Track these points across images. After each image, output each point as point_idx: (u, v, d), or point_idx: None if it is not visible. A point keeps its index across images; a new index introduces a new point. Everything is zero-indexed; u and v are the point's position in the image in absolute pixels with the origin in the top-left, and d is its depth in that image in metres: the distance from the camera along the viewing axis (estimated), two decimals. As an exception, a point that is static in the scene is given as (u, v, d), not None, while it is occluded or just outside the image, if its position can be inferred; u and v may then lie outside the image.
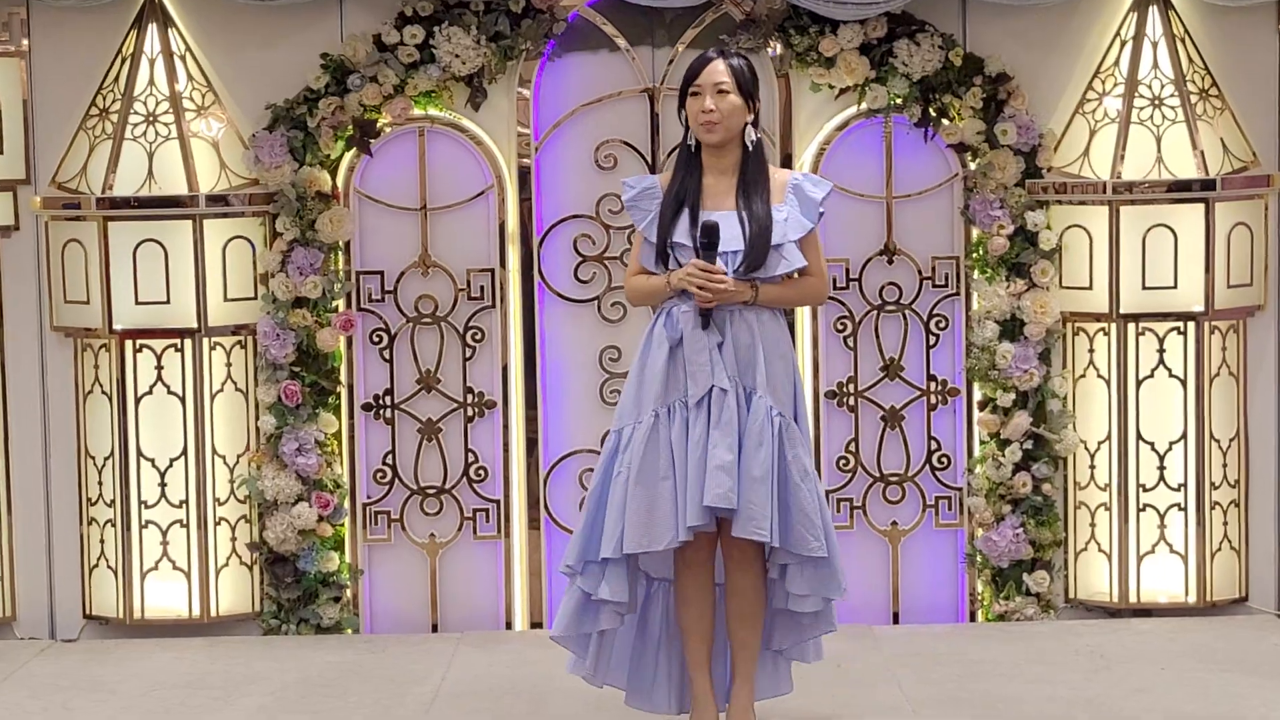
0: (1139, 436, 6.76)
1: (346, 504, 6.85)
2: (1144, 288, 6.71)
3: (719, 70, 5.27)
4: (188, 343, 6.70)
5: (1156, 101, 6.72)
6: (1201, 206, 6.67)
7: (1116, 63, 6.77)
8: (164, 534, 6.77)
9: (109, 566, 6.82)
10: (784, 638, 5.49)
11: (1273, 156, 6.83)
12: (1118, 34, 6.79)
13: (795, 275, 5.34)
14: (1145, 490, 6.79)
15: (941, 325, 6.88)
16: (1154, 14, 6.74)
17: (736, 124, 5.28)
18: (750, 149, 5.30)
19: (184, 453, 6.74)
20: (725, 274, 5.23)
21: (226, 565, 6.83)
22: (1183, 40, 6.76)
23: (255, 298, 6.77)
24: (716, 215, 5.26)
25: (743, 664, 5.43)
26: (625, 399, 5.36)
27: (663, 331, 5.30)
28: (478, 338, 6.86)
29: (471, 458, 6.89)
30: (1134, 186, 6.67)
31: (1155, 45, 6.74)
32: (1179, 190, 6.67)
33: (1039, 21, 6.76)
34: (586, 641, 5.40)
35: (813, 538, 5.23)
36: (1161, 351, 6.75)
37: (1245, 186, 6.73)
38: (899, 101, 6.74)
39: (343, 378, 6.84)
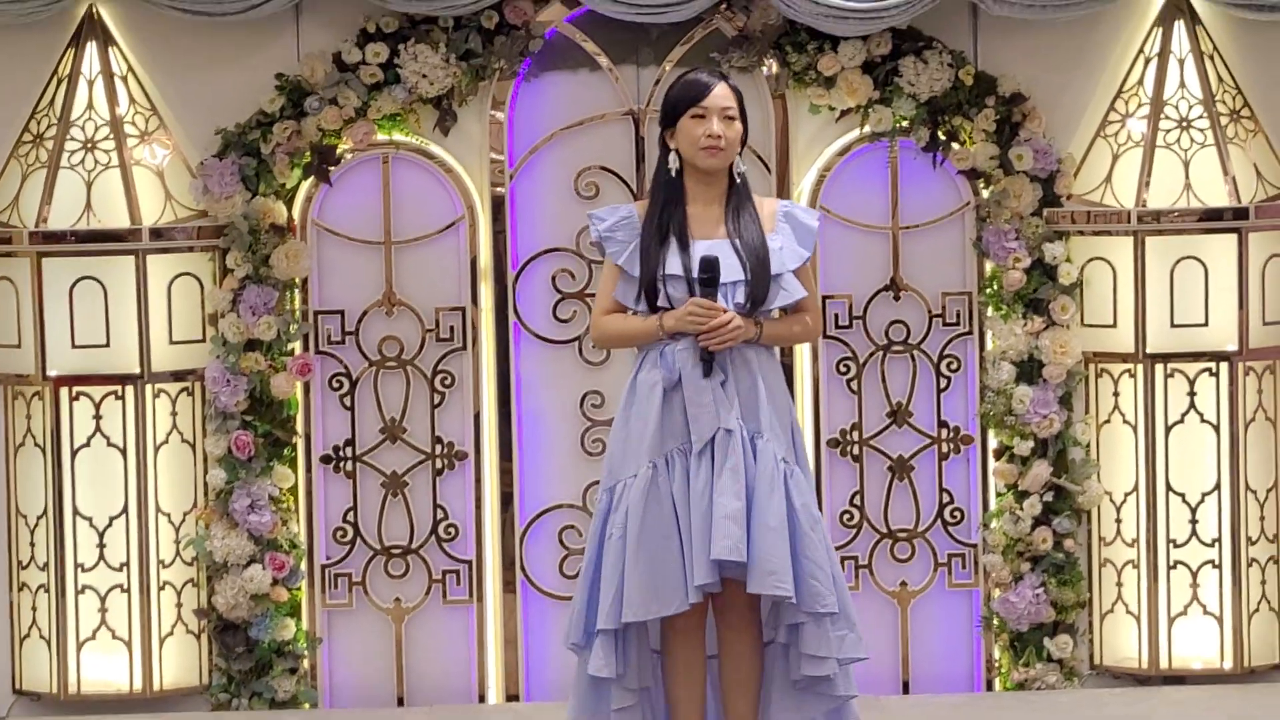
0: (1169, 487, 6.63)
1: (303, 566, 6.68)
2: (1172, 325, 6.58)
3: (726, 95, 5.20)
4: (129, 390, 6.55)
5: (1184, 123, 6.61)
6: (1234, 237, 6.55)
7: (1140, 82, 6.65)
8: (102, 600, 6.59)
9: (41, 636, 6.64)
10: (781, 714, 5.25)
11: None
12: (1141, 51, 6.67)
13: (788, 309, 5.29)
14: (1176, 546, 6.64)
15: (953, 367, 6.73)
16: (1180, 29, 6.63)
17: (734, 153, 5.24)
18: (739, 179, 5.25)
19: (125, 511, 6.57)
20: (728, 311, 5.12)
21: (171, 634, 6.64)
22: (1211, 57, 6.64)
23: (203, 340, 6.63)
24: (708, 245, 5.15)
25: None
26: (613, 452, 5.22)
27: (649, 377, 5.15)
28: (447, 383, 6.69)
29: (441, 514, 6.72)
30: (1161, 215, 6.55)
31: (1182, 63, 6.63)
32: (1209, 219, 6.55)
33: (1056, 37, 6.66)
34: None
35: (826, 591, 5.10)
36: (1192, 395, 6.60)
37: None
38: (905, 124, 6.62)
39: (299, 427, 6.68)
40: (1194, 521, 6.59)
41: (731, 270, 5.14)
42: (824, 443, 6.67)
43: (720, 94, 5.17)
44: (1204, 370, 6.55)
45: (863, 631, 6.23)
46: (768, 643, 5.25)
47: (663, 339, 5.14)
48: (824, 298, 6.55)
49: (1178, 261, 6.52)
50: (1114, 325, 6.58)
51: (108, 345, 6.49)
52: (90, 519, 6.54)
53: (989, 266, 6.64)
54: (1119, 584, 6.65)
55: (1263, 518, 6.64)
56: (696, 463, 5.08)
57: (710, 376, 5.08)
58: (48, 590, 6.55)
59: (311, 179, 6.60)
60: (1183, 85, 6.57)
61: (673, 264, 5.13)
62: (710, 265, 5.08)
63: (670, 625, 5.17)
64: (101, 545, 6.54)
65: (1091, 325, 6.61)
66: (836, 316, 6.64)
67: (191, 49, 6.58)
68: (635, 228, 5.20)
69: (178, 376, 6.56)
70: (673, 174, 5.19)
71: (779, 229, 5.23)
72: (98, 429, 6.51)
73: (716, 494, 5.02)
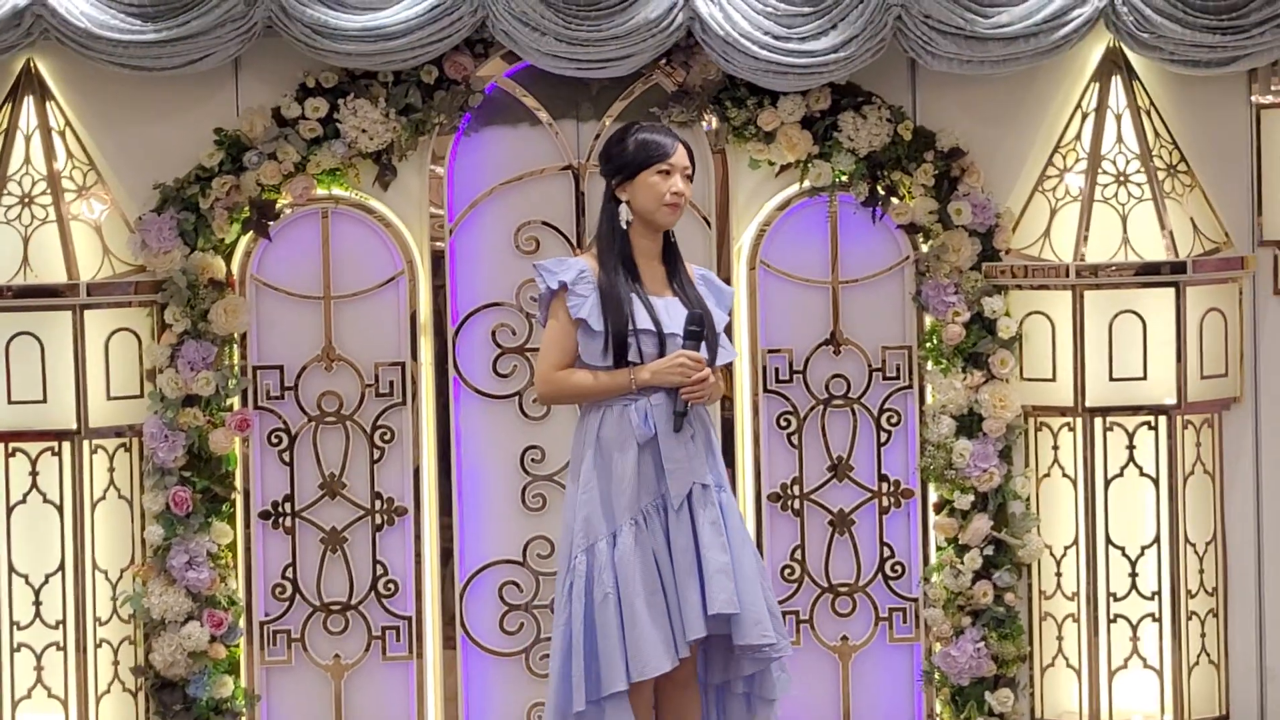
0: (1108, 541, 6.60)
1: (242, 623, 6.61)
2: (1111, 379, 6.57)
3: (686, 155, 5.36)
4: (66, 446, 6.47)
5: (1121, 178, 6.61)
6: (1171, 291, 6.55)
7: (1078, 136, 6.66)
8: (38, 658, 6.51)
9: None
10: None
11: (1246, 237, 6.73)
12: (1079, 106, 6.67)
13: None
14: (1116, 599, 6.61)
15: (893, 421, 6.70)
16: (1117, 84, 6.63)
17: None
18: (671, 237, 5.33)
19: (61, 567, 6.48)
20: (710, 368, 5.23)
21: (108, 692, 6.55)
22: (1148, 112, 6.65)
23: (141, 396, 6.56)
24: (663, 302, 5.24)
25: None
26: (587, 510, 5.18)
27: (616, 431, 5.15)
28: (387, 438, 6.64)
29: (380, 570, 6.65)
30: (1099, 270, 6.55)
31: (1119, 118, 6.63)
32: (1147, 274, 6.55)
33: (994, 93, 6.66)
34: None
35: (783, 635, 5.26)
36: (1131, 448, 6.59)
37: (1218, 269, 6.63)
38: (845, 179, 6.61)
39: (238, 483, 6.62)
40: (1134, 575, 6.57)
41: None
42: (765, 497, 6.63)
43: (683, 153, 5.31)
44: (1143, 424, 6.54)
45: (804, 686, 6.43)
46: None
47: (632, 393, 5.13)
48: (765, 351, 6.57)
49: (1116, 315, 6.50)
50: (1053, 379, 6.57)
51: (44, 401, 6.42)
52: (26, 576, 6.45)
53: (929, 320, 6.62)
54: (1059, 637, 6.61)
55: (1202, 571, 6.62)
56: (676, 518, 5.09)
57: (681, 431, 5.11)
58: (-17, 648, 6.48)
59: (250, 234, 6.54)
60: (1120, 140, 6.57)
61: (642, 319, 5.15)
62: (698, 320, 5.15)
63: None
64: (37, 603, 6.46)
65: (1031, 379, 6.59)
66: (777, 370, 6.61)
67: (130, 103, 6.53)
68: (592, 281, 5.20)
69: (116, 432, 6.49)
70: (624, 227, 5.22)
71: (700, 291, 5.34)
72: (34, 485, 6.44)
73: (704, 549, 5.05)
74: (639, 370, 5.12)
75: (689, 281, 5.30)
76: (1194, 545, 6.61)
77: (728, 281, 6.47)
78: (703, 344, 5.18)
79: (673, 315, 5.16)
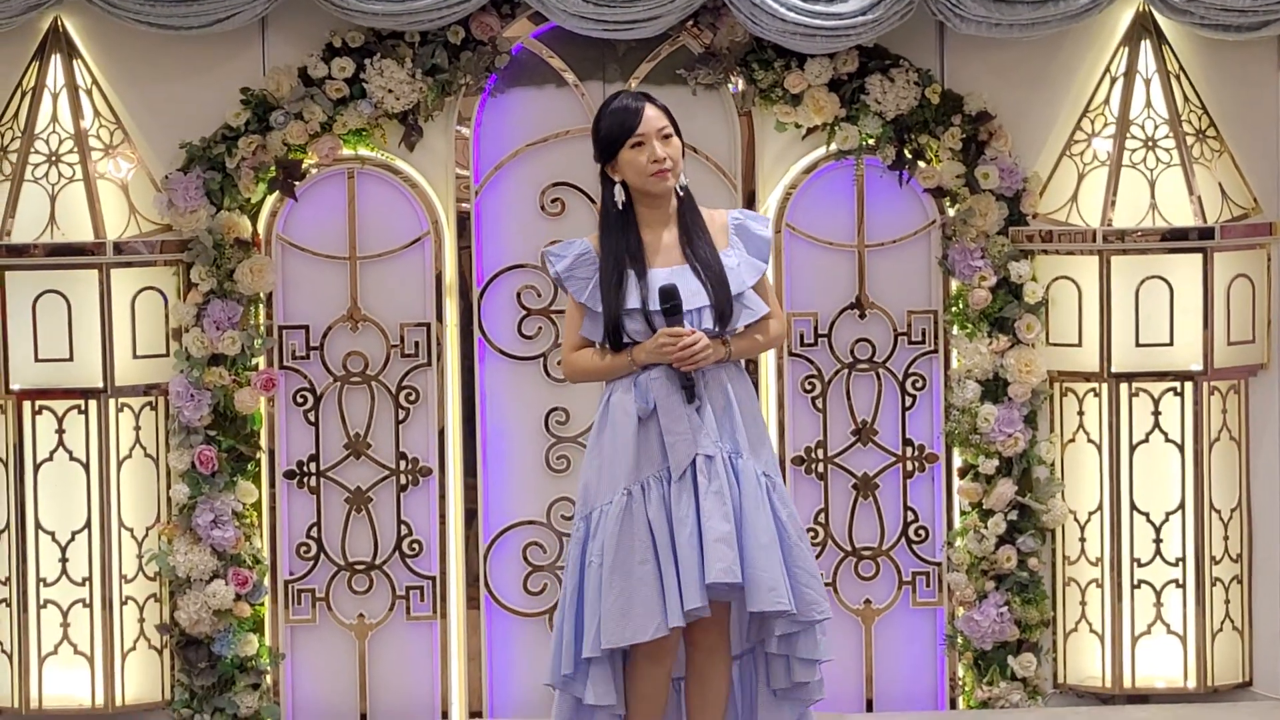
0: (1133, 507, 6.59)
1: (266, 581, 6.63)
2: (1137, 345, 6.55)
3: (658, 115, 5.19)
4: (92, 404, 6.48)
5: (1150, 143, 6.58)
6: (1199, 257, 6.53)
7: (1106, 101, 6.63)
8: (65, 615, 6.53)
9: (3, 651, 6.56)
10: None
11: (1274, 203, 6.70)
12: (1108, 70, 6.64)
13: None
14: (1140, 565, 6.61)
15: (918, 385, 6.69)
16: (1147, 49, 6.60)
17: (680, 169, 5.22)
18: (683, 195, 5.23)
19: (87, 525, 6.51)
20: (695, 332, 5.11)
21: (134, 649, 6.58)
22: (1178, 77, 6.62)
23: (167, 355, 6.57)
24: (667, 272, 5.15)
25: None
26: (589, 480, 5.19)
27: (622, 401, 5.14)
28: (412, 398, 6.64)
29: (404, 530, 6.66)
30: (1126, 235, 6.53)
31: (1148, 82, 6.60)
32: (1174, 239, 6.53)
33: (1023, 56, 6.63)
34: None
35: (820, 598, 5.17)
36: (1157, 414, 6.58)
37: (1246, 235, 6.61)
38: (871, 142, 6.59)
39: (263, 442, 6.63)
40: (1158, 541, 6.57)
41: (695, 295, 5.13)
42: (789, 460, 6.63)
43: (652, 116, 5.15)
44: (1169, 390, 6.53)
45: (827, 649, 6.41)
46: (738, 655, 5.26)
47: (635, 370, 5.14)
48: (789, 315, 6.56)
49: (1143, 281, 6.49)
50: (1079, 344, 6.56)
51: (71, 359, 6.44)
52: (53, 533, 6.48)
53: (954, 285, 6.61)
54: (1083, 603, 6.61)
55: (1226, 537, 6.62)
56: (677, 489, 5.06)
57: (691, 403, 5.07)
58: (10, 604, 6.49)
59: (276, 194, 6.55)
60: (1149, 105, 6.55)
61: (631, 299, 5.13)
62: (669, 295, 5.07)
63: (640, 650, 5.13)
64: (64, 559, 6.49)
65: (1057, 344, 6.58)
66: (802, 334, 6.60)
67: (157, 62, 6.54)
68: (593, 262, 5.19)
69: (142, 391, 6.51)
70: (619, 207, 5.18)
71: (732, 243, 5.23)
72: (60, 443, 6.46)
73: (704, 518, 5.01)
74: (637, 350, 5.12)
75: (705, 242, 5.18)
76: (1219, 511, 6.60)
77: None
78: (705, 311, 5.09)
79: (681, 285, 5.10)
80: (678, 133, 5.19)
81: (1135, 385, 6.53)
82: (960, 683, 6.65)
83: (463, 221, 6.59)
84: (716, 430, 5.11)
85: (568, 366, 5.29)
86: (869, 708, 6.67)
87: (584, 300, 5.17)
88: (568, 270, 5.20)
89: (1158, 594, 6.58)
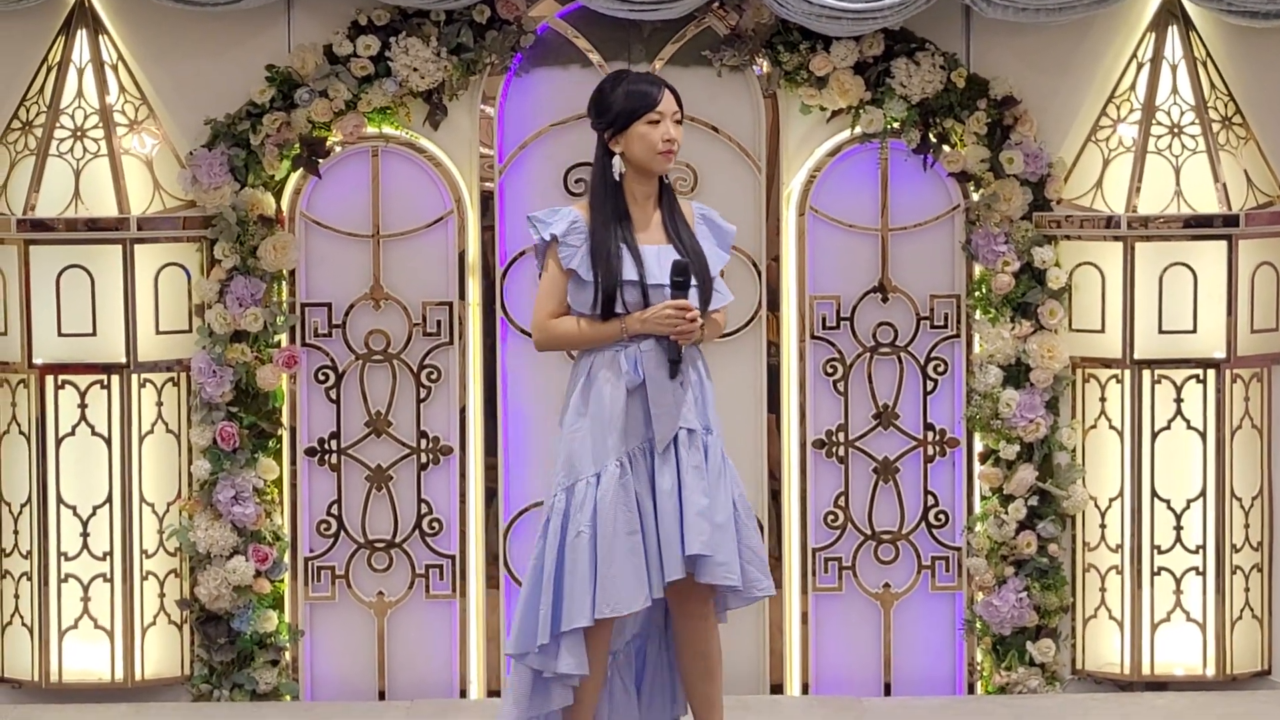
0: (1154, 494, 6.59)
1: (287, 558, 6.64)
2: (1160, 331, 6.54)
3: (674, 100, 5.32)
4: (115, 379, 6.50)
5: (1175, 129, 6.56)
6: (1223, 244, 6.52)
7: (1132, 87, 6.61)
8: (85, 589, 6.55)
9: (24, 624, 6.59)
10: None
11: None
12: (1134, 56, 6.63)
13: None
14: (1160, 552, 6.60)
15: (940, 370, 6.68)
16: (1174, 35, 6.59)
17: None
18: (665, 180, 5.36)
19: (109, 500, 6.53)
20: (696, 309, 5.23)
21: (154, 624, 6.60)
22: (1204, 63, 6.60)
23: (190, 331, 6.59)
24: (656, 249, 5.27)
25: None
26: (572, 452, 5.25)
27: (607, 375, 5.21)
28: (433, 377, 6.64)
29: (425, 509, 6.67)
30: (1150, 221, 6.51)
31: (1175, 69, 6.59)
32: (1199, 226, 6.52)
33: (1049, 41, 6.62)
34: None
35: (764, 576, 5.32)
36: (1179, 401, 6.57)
37: (1270, 223, 6.59)
38: (896, 125, 6.58)
39: (285, 419, 6.64)
40: (1178, 528, 6.56)
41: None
42: (809, 443, 6.63)
43: (670, 99, 5.30)
44: (1191, 377, 6.52)
45: (845, 633, 6.58)
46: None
47: (623, 340, 5.20)
48: (813, 298, 6.57)
49: (1167, 268, 6.48)
50: (1102, 330, 6.55)
51: (94, 334, 6.45)
52: (74, 508, 6.50)
53: (978, 270, 6.59)
54: (1102, 589, 6.61)
55: (1247, 525, 6.61)
56: (661, 461, 5.16)
57: (675, 378, 5.18)
58: (30, 578, 6.51)
59: (300, 171, 6.55)
60: (1175, 91, 6.53)
61: (628, 270, 5.21)
62: (682, 269, 5.17)
63: (602, 620, 5.21)
64: (85, 534, 6.50)
65: (1079, 330, 6.57)
66: (824, 318, 6.60)
67: (182, 38, 6.54)
68: (583, 231, 5.26)
69: (164, 367, 6.52)
70: (617, 179, 5.26)
71: (699, 231, 5.34)
72: (83, 418, 6.48)
73: (686, 492, 5.13)
74: (630, 319, 5.17)
75: (685, 225, 5.31)
76: (1240, 500, 6.59)
77: (776, 229, 6.52)
78: (692, 289, 5.20)
79: (664, 263, 5.20)
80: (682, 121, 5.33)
81: (1158, 372, 6.52)
82: (979, 668, 6.64)
83: (486, 201, 6.59)
84: (693, 408, 5.21)
85: (543, 333, 5.30)
86: (887, 692, 6.67)
87: (573, 266, 5.22)
88: (563, 236, 5.24)
89: (1177, 581, 6.57)
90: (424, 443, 6.63)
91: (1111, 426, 6.58)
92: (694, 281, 5.20)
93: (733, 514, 5.22)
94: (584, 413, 5.21)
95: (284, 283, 6.58)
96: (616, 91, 5.28)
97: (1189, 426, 6.54)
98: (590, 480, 5.16)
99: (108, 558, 6.51)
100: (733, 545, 5.18)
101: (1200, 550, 6.56)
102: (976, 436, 6.63)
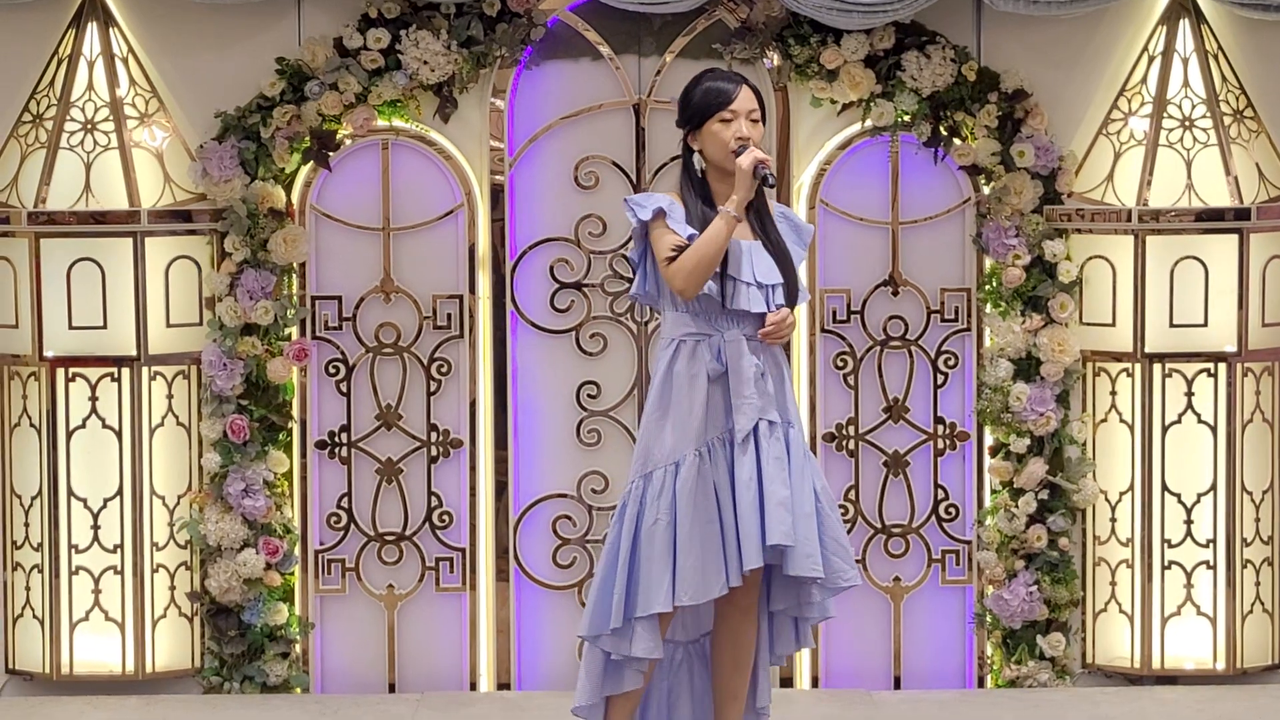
0: (1164, 487, 6.57)
1: (297, 551, 6.64)
2: (1171, 325, 6.53)
3: (751, 98, 5.26)
4: (125, 372, 6.50)
5: (1187, 123, 6.55)
6: (1235, 237, 6.50)
7: (1144, 80, 6.60)
8: (96, 581, 6.55)
9: (35, 616, 6.59)
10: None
11: None
12: (1145, 49, 6.62)
13: None
14: (1171, 546, 6.59)
15: (950, 363, 6.68)
16: (1185, 28, 6.58)
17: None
18: (772, 183, 5.29)
19: (119, 493, 6.53)
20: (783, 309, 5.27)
21: (164, 616, 6.60)
22: (1216, 57, 6.59)
23: (200, 324, 6.60)
24: (747, 245, 5.23)
25: (734, 716, 5.40)
26: (653, 439, 5.23)
27: (689, 366, 5.19)
28: (443, 370, 6.64)
29: (435, 502, 6.67)
30: (1161, 215, 6.50)
31: (1186, 62, 6.58)
32: (1210, 219, 6.50)
33: (1060, 34, 6.61)
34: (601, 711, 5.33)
35: (849, 566, 5.29)
36: (1190, 395, 6.55)
37: None
38: (907, 119, 6.56)
39: (295, 412, 6.64)
40: (1189, 522, 6.55)
41: (770, 272, 5.23)
42: (820, 437, 6.62)
43: (746, 97, 5.23)
44: (1202, 371, 6.50)
45: (855, 626, 6.56)
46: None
47: (735, 219, 5.09)
48: (823, 291, 6.57)
49: (1178, 261, 6.47)
50: (1113, 324, 6.54)
51: (105, 327, 6.46)
52: (85, 500, 6.50)
53: (988, 263, 6.59)
54: (1113, 583, 6.60)
55: (1258, 519, 6.59)
56: (741, 451, 5.15)
57: (771, 186, 5.15)
58: (41, 570, 6.51)
59: (311, 164, 6.55)
60: (1186, 84, 6.52)
61: (734, 267, 5.16)
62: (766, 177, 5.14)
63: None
64: (96, 526, 6.51)
65: (1090, 324, 6.57)
66: (834, 311, 6.60)
67: (192, 31, 6.54)
68: (683, 216, 5.23)
69: (175, 360, 6.52)
70: (700, 175, 5.24)
71: (781, 230, 5.31)
72: (93, 410, 6.48)
73: (766, 482, 5.12)
74: (729, 202, 5.11)
75: (772, 223, 5.29)
76: (1250, 493, 6.57)
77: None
78: (779, 287, 5.22)
79: (755, 260, 5.18)
80: (764, 120, 5.25)
81: (1168, 366, 6.51)
82: (988, 661, 6.64)
83: (496, 194, 6.59)
84: (773, 399, 5.21)
85: (677, 269, 5.15)
86: (896, 685, 6.67)
87: (693, 231, 5.14)
88: (670, 208, 5.18)
89: (1188, 575, 6.56)
90: (434, 436, 6.63)
91: (1122, 420, 6.57)
92: (764, 281, 5.17)
93: (815, 505, 5.22)
94: (664, 401, 5.21)
95: (294, 276, 6.58)
96: (697, 89, 5.25)
97: (1200, 420, 6.53)
98: (669, 469, 5.17)
99: (118, 550, 6.51)
100: (815, 536, 5.18)
101: (1211, 544, 6.55)
102: (987, 430, 6.63)
